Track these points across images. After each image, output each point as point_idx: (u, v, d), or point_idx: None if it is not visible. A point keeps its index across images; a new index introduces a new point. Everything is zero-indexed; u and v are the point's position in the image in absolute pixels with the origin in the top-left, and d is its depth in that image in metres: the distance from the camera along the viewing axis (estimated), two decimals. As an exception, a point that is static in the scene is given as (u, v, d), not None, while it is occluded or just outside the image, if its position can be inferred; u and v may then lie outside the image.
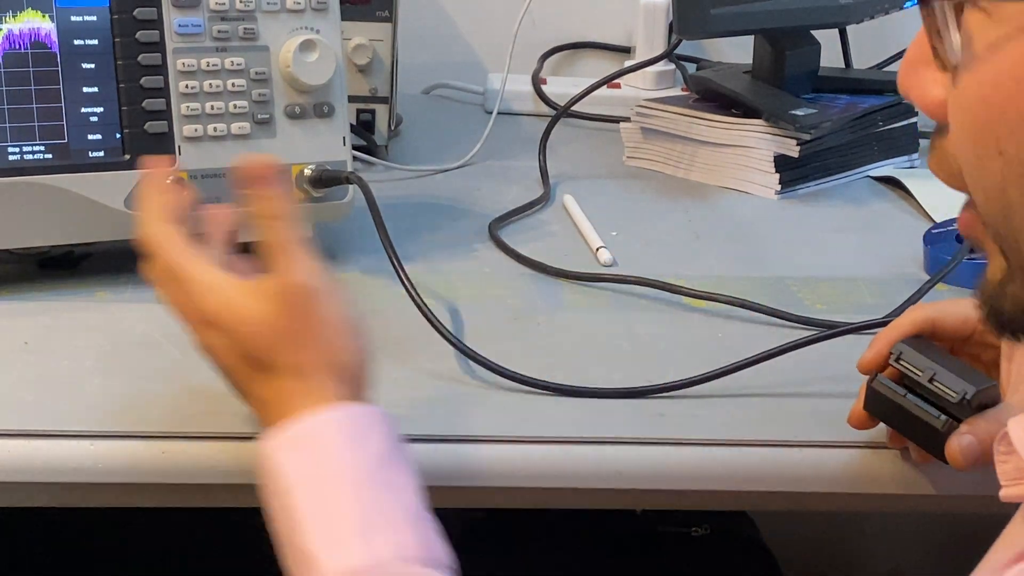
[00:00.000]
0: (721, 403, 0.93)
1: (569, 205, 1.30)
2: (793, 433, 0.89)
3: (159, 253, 0.81)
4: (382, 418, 0.77)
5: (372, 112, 1.43)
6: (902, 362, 0.82)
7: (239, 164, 0.83)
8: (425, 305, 0.98)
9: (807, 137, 1.33)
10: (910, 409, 0.82)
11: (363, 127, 1.43)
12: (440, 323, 0.97)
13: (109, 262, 1.10)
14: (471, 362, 0.96)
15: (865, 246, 1.24)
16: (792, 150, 1.34)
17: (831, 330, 1.00)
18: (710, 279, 1.13)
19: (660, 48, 1.62)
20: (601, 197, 1.34)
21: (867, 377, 0.85)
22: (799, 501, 0.90)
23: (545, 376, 0.94)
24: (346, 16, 1.14)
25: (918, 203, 1.34)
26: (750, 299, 1.07)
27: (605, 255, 1.17)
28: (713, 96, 1.42)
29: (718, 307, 1.08)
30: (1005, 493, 0.69)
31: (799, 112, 1.35)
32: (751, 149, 1.36)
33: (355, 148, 1.26)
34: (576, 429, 0.89)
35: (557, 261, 1.16)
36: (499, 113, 1.53)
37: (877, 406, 0.84)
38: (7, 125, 1.01)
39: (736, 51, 1.69)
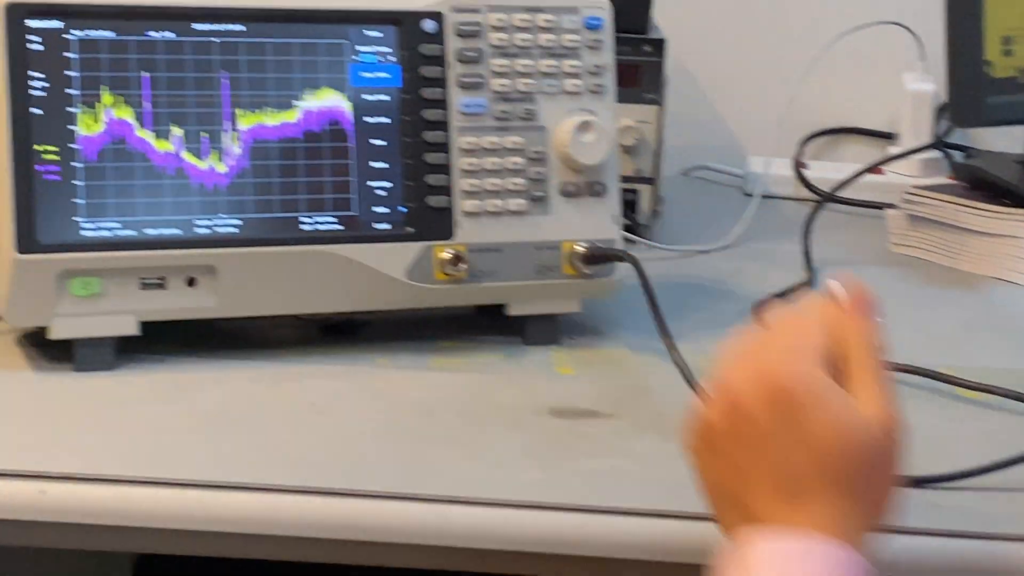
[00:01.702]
0: (1000, 496, 0.91)
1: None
2: (1077, 531, 0.86)
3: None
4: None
5: (636, 192, 1.46)
6: None
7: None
8: (697, 383, 0.99)
9: (1083, 229, 1.30)
10: None
11: (626, 207, 1.45)
12: (711, 402, 0.98)
13: (386, 329, 1.15)
14: (741, 443, 0.96)
15: None
16: (1067, 242, 1.31)
17: (1115, 427, 0.97)
18: (981, 370, 1.10)
19: (926, 135, 1.60)
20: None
21: None
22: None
23: (814, 461, 0.93)
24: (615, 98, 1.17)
25: None
26: (1026, 392, 1.05)
27: (872, 342, 1.16)
28: (983, 184, 1.40)
29: (992, 399, 1.06)
30: None
31: (1075, 203, 1.32)
32: (1023, 240, 1.34)
33: (618, 227, 1.28)
34: (848, 515, 0.88)
35: (823, 346, 1.15)
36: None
37: None
38: (301, 196, 1.07)
39: (1003, 139, 1.66)
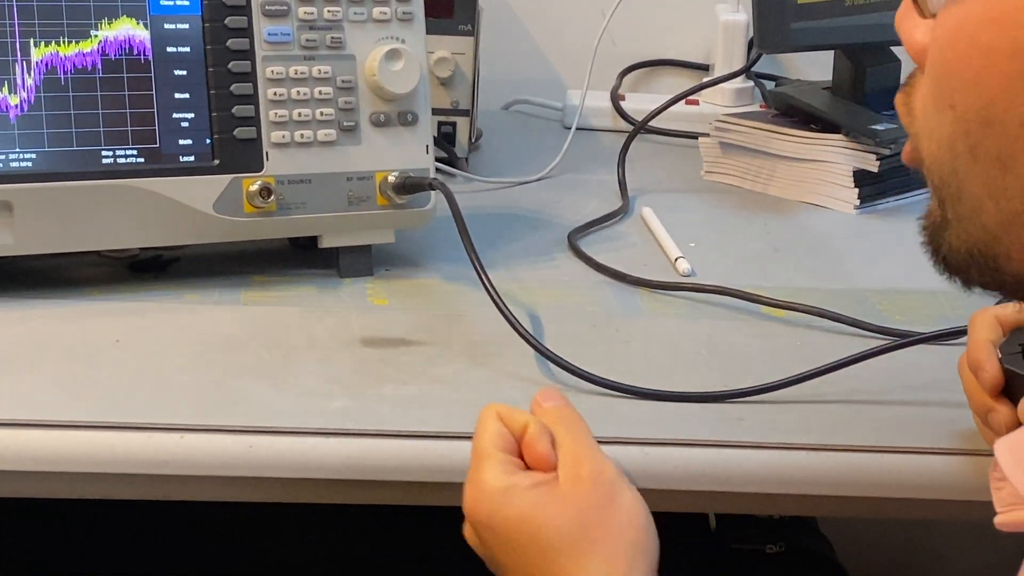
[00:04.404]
0: (800, 409, 0.93)
1: (648, 217, 1.31)
2: (872, 439, 0.89)
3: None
4: None
5: (453, 125, 1.45)
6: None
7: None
8: (506, 308, 0.99)
9: (887, 152, 1.33)
10: None
11: (444, 139, 1.44)
12: (521, 326, 0.98)
13: (197, 266, 1.13)
14: (551, 365, 0.97)
15: (945, 260, 1.24)
16: (872, 165, 1.34)
17: (909, 339, 0.99)
18: (789, 290, 1.13)
19: (739, 65, 1.62)
20: (679, 210, 1.35)
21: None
22: (878, 507, 0.91)
23: (624, 381, 0.94)
24: (429, 30, 1.16)
25: (999, 219, 1.33)
26: (829, 309, 1.07)
27: (684, 265, 1.18)
28: (792, 112, 1.42)
29: (797, 317, 1.08)
30: (1000, 520, 0.69)
31: (879, 127, 1.35)
32: (830, 164, 1.37)
33: (436, 160, 1.28)
34: (655, 431, 0.89)
35: (636, 271, 1.16)
36: (577, 129, 1.54)
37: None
38: (101, 129, 1.04)
39: (814, 69, 1.69)
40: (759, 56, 1.58)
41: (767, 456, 0.88)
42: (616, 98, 1.67)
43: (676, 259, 1.19)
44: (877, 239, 1.30)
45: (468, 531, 0.82)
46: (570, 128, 1.54)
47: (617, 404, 0.93)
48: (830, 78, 1.45)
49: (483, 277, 1.01)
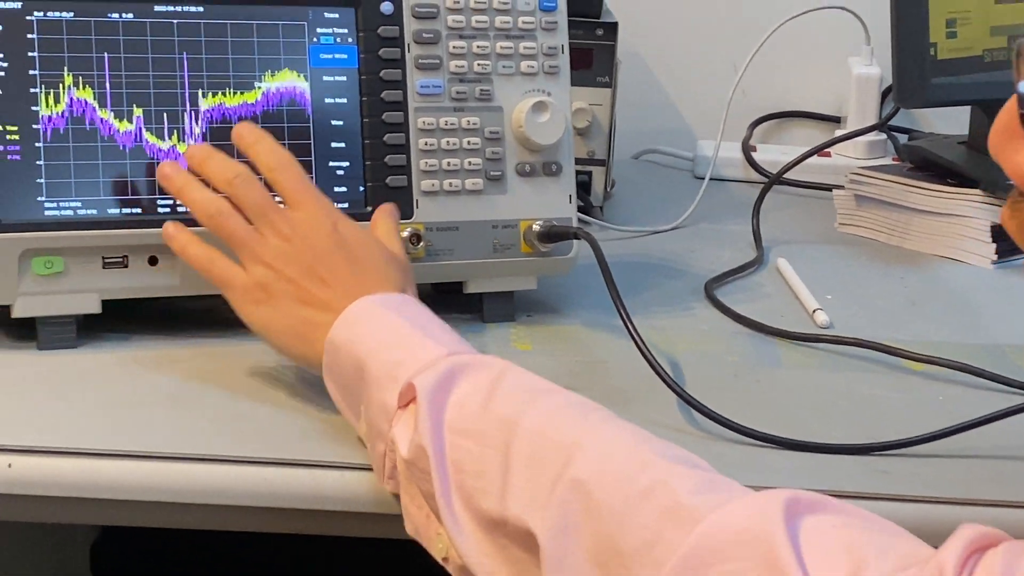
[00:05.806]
0: (946, 463, 0.94)
1: (783, 268, 1.32)
2: (1021, 495, 0.89)
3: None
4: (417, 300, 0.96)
5: (589, 174, 1.48)
6: None
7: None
8: (652, 355, 1.01)
9: (1025, 208, 1.33)
10: None
11: (580, 188, 1.47)
12: (666, 373, 1.00)
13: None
14: (694, 413, 0.98)
15: (1084, 317, 1.24)
16: (1009, 220, 1.34)
17: (1055, 396, 1.00)
18: (926, 344, 1.14)
19: (872, 118, 1.64)
20: (814, 262, 1.36)
21: None
22: None
23: (766, 430, 0.96)
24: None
25: None
26: (970, 364, 1.08)
27: (822, 317, 1.19)
28: (928, 165, 1.43)
29: (938, 371, 1.09)
30: None
31: (1017, 183, 1.35)
32: (967, 219, 1.37)
33: (573, 208, 1.30)
34: (800, 482, 0.90)
35: (772, 321, 1.18)
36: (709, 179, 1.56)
37: None
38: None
39: (946, 123, 1.70)
40: (896, 110, 1.59)
41: (913, 509, 0.88)
42: (748, 149, 1.68)
43: (814, 311, 1.21)
44: (1015, 294, 1.30)
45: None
46: (702, 178, 1.56)
47: (761, 454, 0.95)
48: (961, 131, 1.46)
49: (629, 325, 1.03)
